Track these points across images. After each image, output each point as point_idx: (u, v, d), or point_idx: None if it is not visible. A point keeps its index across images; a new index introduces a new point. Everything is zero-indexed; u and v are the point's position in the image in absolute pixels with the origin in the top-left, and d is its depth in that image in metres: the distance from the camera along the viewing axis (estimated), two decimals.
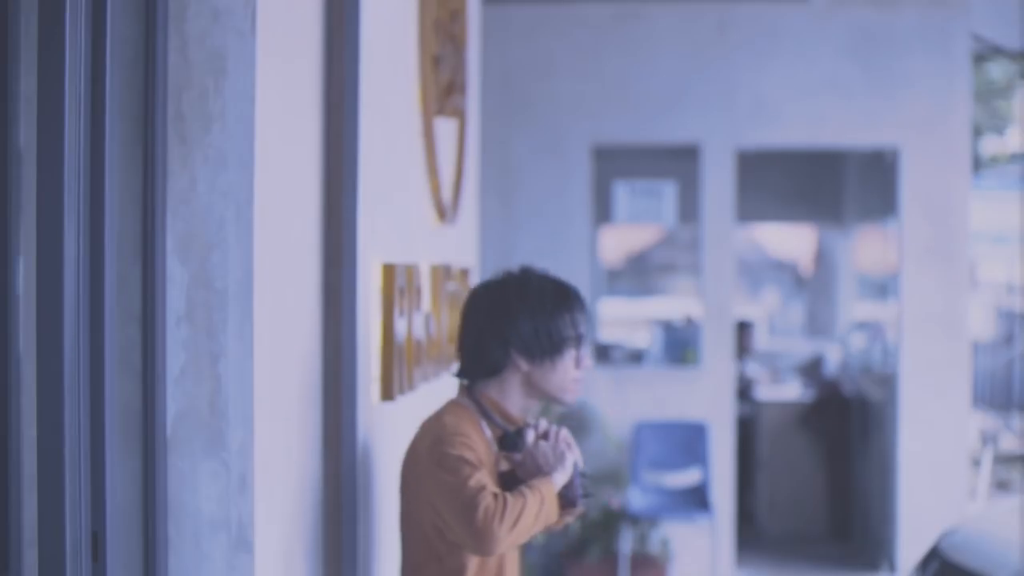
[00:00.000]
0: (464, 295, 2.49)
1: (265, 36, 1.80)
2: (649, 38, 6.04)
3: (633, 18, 6.05)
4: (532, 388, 2.18)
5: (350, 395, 2.20)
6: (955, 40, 5.97)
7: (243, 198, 1.77)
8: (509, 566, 2.20)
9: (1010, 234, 9.79)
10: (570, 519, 2.25)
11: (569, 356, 2.18)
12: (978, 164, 9.82)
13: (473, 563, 2.12)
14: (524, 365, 2.15)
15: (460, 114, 3.60)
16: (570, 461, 2.15)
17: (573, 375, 2.19)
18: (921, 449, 6.00)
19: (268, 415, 1.84)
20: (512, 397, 2.18)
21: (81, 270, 1.56)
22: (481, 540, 1.99)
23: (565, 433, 2.18)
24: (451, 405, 2.20)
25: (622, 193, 6.25)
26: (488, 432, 2.17)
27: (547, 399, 2.22)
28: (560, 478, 2.12)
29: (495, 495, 2.01)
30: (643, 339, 7.23)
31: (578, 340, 2.18)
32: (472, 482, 2.01)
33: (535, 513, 2.03)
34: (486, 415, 2.17)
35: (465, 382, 2.23)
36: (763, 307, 9.35)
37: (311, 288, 2.11)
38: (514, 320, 2.14)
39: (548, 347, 2.14)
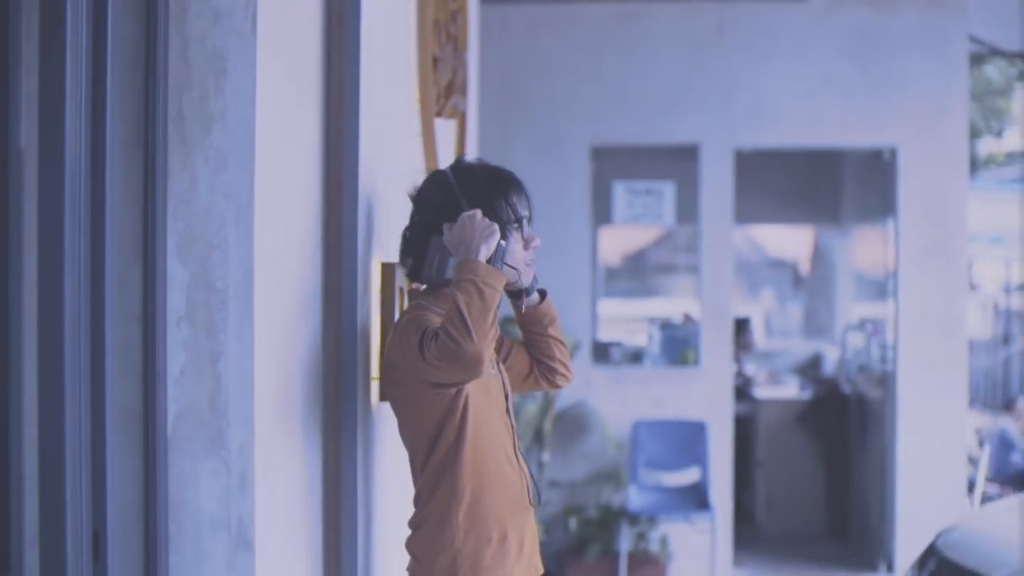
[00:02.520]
0: None
1: (265, 37, 1.81)
2: (648, 38, 6.05)
3: (632, 18, 6.06)
4: None
5: (350, 395, 2.21)
6: (952, 41, 5.99)
7: (243, 198, 1.77)
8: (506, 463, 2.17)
9: (1007, 234, 9.81)
10: (534, 299, 2.28)
11: (514, 239, 2.16)
12: (975, 165, 9.83)
13: (474, 477, 2.10)
14: None
15: (460, 115, 3.60)
16: (494, 239, 2.07)
17: (523, 257, 2.18)
18: (919, 448, 6.02)
19: (268, 415, 1.85)
20: None
21: (82, 270, 1.57)
22: (457, 366, 1.95)
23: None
24: (409, 310, 2.17)
25: (621, 193, 6.25)
26: None
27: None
28: (483, 251, 2.05)
29: (436, 334, 1.96)
30: (642, 339, 7.24)
31: (519, 222, 2.16)
32: (428, 329, 1.99)
33: (478, 297, 1.96)
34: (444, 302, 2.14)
35: (418, 287, 2.21)
36: (761, 307, 9.36)
37: (311, 288, 2.11)
38: (450, 212, 2.12)
39: None
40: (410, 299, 2.25)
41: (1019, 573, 3.17)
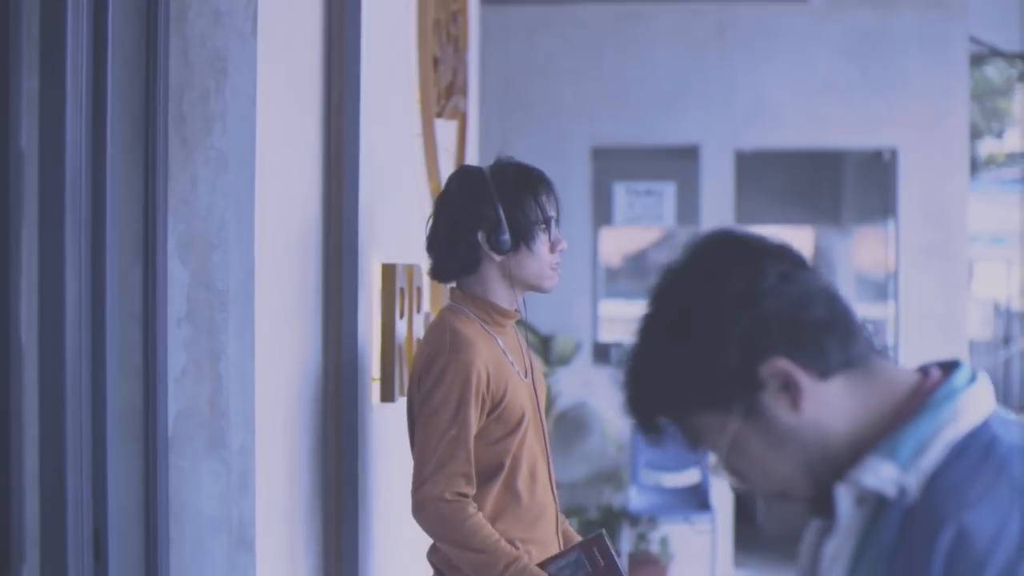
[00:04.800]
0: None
1: (266, 37, 1.81)
2: (648, 39, 6.05)
3: (632, 19, 6.05)
4: (511, 278, 2.12)
5: (350, 395, 2.21)
6: (953, 42, 5.98)
7: (244, 199, 1.77)
8: (540, 481, 2.15)
9: (1008, 235, 9.80)
10: None
11: (541, 241, 2.12)
12: (976, 165, 9.83)
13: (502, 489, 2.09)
14: (495, 256, 2.10)
15: (460, 115, 3.61)
16: None
17: (549, 260, 2.14)
18: None
19: (269, 415, 1.85)
20: (496, 290, 2.12)
21: (82, 270, 1.57)
22: (414, 508, 2.02)
23: None
24: (446, 312, 2.15)
25: (621, 194, 6.25)
26: (493, 334, 2.12)
27: (528, 288, 2.16)
28: None
29: (461, 496, 1.99)
30: None
31: (547, 224, 2.13)
32: (459, 416, 2.01)
33: (481, 563, 1.99)
34: (482, 310, 2.13)
35: (452, 285, 2.20)
36: None
37: (311, 288, 2.12)
38: (478, 210, 2.09)
39: (516, 235, 2.09)
40: (451, 298, 2.21)
41: None
